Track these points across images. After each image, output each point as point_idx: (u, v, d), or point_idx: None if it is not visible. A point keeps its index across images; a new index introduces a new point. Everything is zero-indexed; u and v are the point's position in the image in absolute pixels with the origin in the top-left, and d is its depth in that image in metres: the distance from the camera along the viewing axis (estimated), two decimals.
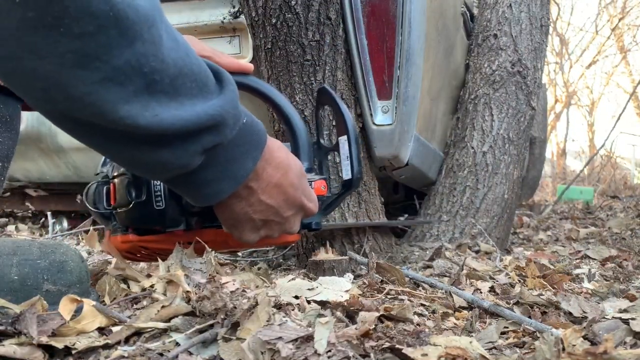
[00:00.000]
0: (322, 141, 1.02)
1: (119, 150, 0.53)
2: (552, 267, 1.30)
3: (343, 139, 0.93)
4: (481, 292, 1.02)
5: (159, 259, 0.82)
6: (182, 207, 0.76)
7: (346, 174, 0.92)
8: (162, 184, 0.73)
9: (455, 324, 0.83)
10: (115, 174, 0.76)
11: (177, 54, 0.49)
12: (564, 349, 0.61)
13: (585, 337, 0.73)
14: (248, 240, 0.74)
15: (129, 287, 0.85)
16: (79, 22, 0.42)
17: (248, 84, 0.84)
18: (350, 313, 0.78)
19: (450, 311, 0.89)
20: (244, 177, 0.62)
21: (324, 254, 1.16)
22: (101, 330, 0.68)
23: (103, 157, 0.83)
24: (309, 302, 0.83)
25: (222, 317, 0.67)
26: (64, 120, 0.51)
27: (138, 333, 0.66)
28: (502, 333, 0.79)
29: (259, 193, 0.67)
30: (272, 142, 0.68)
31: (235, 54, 1.55)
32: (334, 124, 1.24)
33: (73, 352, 0.59)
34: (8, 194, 2.27)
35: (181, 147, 0.53)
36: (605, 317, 0.82)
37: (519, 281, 1.13)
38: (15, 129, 0.83)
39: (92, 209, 0.79)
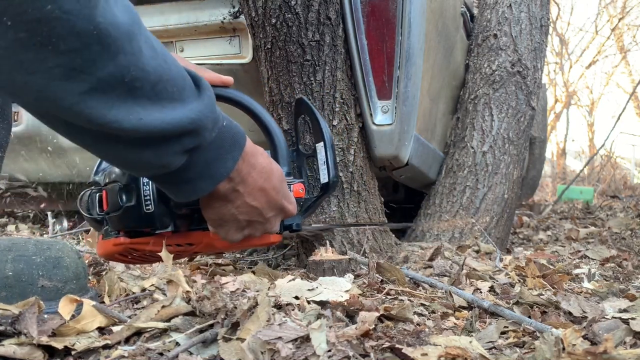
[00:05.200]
0: (300, 147, 1.09)
1: (107, 149, 0.58)
2: (552, 267, 1.30)
3: (320, 146, 1.02)
4: (481, 292, 1.02)
5: (149, 262, 0.85)
6: (170, 210, 0.80)
7: (323, 178, 1.00)
8: (151, 189, 0.78)
9: (455, 323, 0.83)
10: (107, 181, 0.81)
11: (156, 62, 0.54)
12: (564, 349, 0.61)
13: (585, 337, 0.74)
14: (232, 239, 0.78)
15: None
16: (66, 40, 0.46)
17: (228, 96, 0.91)
18: (350, 313, 0.78)
19: (450, 311, 0.89)
20: (223, 177, 0.67)
21: (324, 254, 1.16)
22: (101, 330, 0.68)
23: (95, 167, 0.89)
24: (309, 302, 0.83)
25: (222, 317, 0.67)
26: (56, 124, 0.55)
27: (138, 333, 0.66)
28: (502, 333, 0.79)
29: (245, 196, 0.72)
30: (255, 149, 0.73)
31: (235, 54, 1.55)
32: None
33: (73, 352, 0.59)
34: (8, 194, 2.27)
35: (163, 147, 0.58)
36: (605, 317, 0.82)
37: (519, 281, 1.13)
38: (7, 119, 0.85)
39: (86, 215, 0.84)
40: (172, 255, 0.87)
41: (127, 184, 0.78)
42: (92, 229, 1.20)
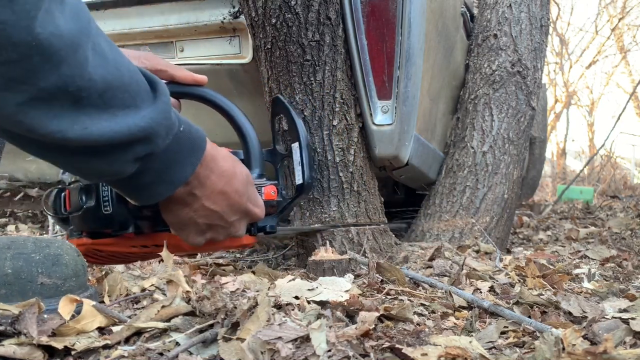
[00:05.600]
0: (277, 147, 1.05)
1: (54, 158, 0.57)
2: (552, 267, 1.30)
3: (295, 146, 1.00)
4: (481, 292, 1.02)
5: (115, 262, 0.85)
6: (130, 211, 0.79)
7: (298, 179, 0.98)
8: (109, 190, 0.77)
9: (455, 323, 0.83)
10: (72, 180, 0.81)
11: (105, 70, 0.53)
12: (564, 349, 0.61)
13: (585, 337, 0.74)
14: (194, 243, 0.77)
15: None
16: (3, 51, 0.45)
17: (202, 95, 0.90)
18: (350, 313, 0.78)
19: (450, 311, 0.89)
20: (181, 182, 0.66)
21: (324, 254, 1.16)
22: (101, 330, 0.68)
23: None
24: (309, 302, 0.83)
25: (222, 317, 0.67)
26: (1, 132, 0.54)
27: (138, 333, 0.66)
28: (502, 333, 0.79)
29: (203, 199, 0.70)
30: (217, 151, 0.71)
31: (235, 54, 1.55)
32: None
33: (73, 352, 0.59)
34: (8, 194, 2.27)
35: (113, 156, 0.57)
36: (605, 317, 0.82)
37: (519, 281, 1.13)
38: None
39: (51, 214, 0.84)
40: (140, 256, 0.86)
41: (87, 184, 0.77)
42: None
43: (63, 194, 0.81)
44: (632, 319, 0.78)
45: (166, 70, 0.85)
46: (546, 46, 2.06)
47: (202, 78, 0.88)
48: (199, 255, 1.44)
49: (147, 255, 0.92)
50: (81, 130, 0.52)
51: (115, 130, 0.54)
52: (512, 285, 1.10)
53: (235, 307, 0.68)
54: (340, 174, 1.31)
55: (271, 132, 1.16)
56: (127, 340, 0.64)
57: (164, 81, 0.78)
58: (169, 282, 0.79)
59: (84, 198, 0.77)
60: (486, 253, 1.50)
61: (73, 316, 0.66)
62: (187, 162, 0.65)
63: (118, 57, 0.55)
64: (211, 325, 0.67)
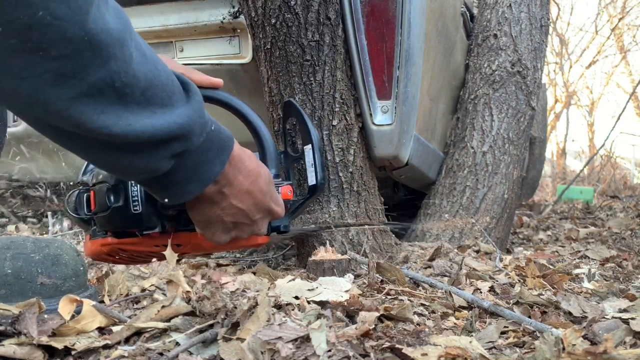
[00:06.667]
0: (288, 150, 1.09)
1: (96, 154, 0.58)
2: (552, 267, 1.30)
3: (308, 148, 1.03)
4: (481, 292, 1.02)
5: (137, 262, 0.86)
6: (158, 210, 0.81)
7: (311, 180, 1.01)
8: (139, 189, 0.78)
9: (455, 323, 0.83)
10: (95, 181, 0.81)
11: (146, 68, 0.54)
12: (564, 349, 0.61)
13: (585, 337, 0.74)
14: (219, 241, 0.78)
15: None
16: (57, 46, 0.46)
17: (219, 98, 0.91)
18: (350, 313, 0.78)
19: (450, 311, 0.89)
20: (211, 180, 0.67)
21: (324, 254, 1.16)
22: (101, 330, 0.68)
23: (84, 167, 0.91)
24: (309, 302, 0.83)
25: (222, 317, 0.67)
26: (45, 128, 0.55)
27: (138, 333, 0.66)
28: (502, 333, 0.79)
29: (231, 198, 0.72)
30: (243, 152, 0.73)
31: (235, 54, 1.55)
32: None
33: (73, 352, 0.59)
34: (8, 194, 2.27)
35: (152, 152, 0.58)
36: (605, 317, 0.82)
37: (519, 281, 1.13)
38: (3, 120, 0.85)
39: (74, 215, 0.84)
40: (160, 256, 0.87)
41: (115, 184, 0.78)
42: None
43: (87, 194, 0.82)
44: (632, 319, 0.78)
45: (183, 73, 0.87)
46: (546, 46, 2.06)
47: (218, 81, 0.90)
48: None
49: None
50: (125, 126, 0.53)
51: (156, 127, 0.56)
52: (512, 285, 1.10)
53: (235, 307, 0.68)
54: (340, 174, 1.31)
55: (282, 135, 1.19)
56: (127, 340, 0.64)
57: None
58: (169, 282, 0.79)
59: (112, 198, 0.78)
60: (486, 253, 1.50)
61: (73, 316, 0.66)
62: (217, 161, 0.67)
63: (155, 57, 0.57)
64: (211, 325, 0.67)
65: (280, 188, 0.88)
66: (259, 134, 0.93)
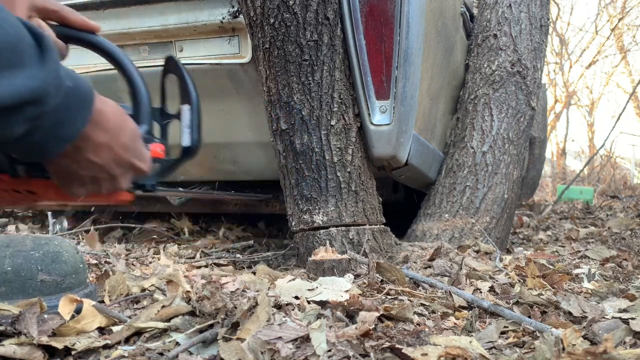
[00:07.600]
0: (165, 108, 1.05)
1: None
2: (552, 267, 1.30)
3: (186, 108, 0.99)
4: (481, 292, 1.02)
5: None
6: (6, 153, 0.76)
7: (185, 142, 0.98)
8: None
9: (455, 323, 0.83)
10: None
11: None
12: (563, 349, 0.61)
13: (585, 337, 0.73)
14: (75, 193, 0.76)
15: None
16: None
17: (94, 42, 0.87)
18: (350, 313, 0.78)
19: (450, 311, 0.89)
20: (72, 138, 0.64)
21: (324, 254, 1.16)
22: (101, 330, 0.68)
23: None
24: (309, 302, 0.83)
25: (222, 317, 0.67)
26: None
27: (138, 333, 0.66)
28: (502, 333, 0.79)
29: (87, 152, 0.69)
30: (105, 105, 0.70)
31: (234, 53, 1.55)
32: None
33: (73, 352, 0.59)
34: None
35: (2, 119, 0.54)
36: (605, 317, 0.82)
37: (519, 281, 1.13)
38: None
39: None
40: (10, 202, 0.83)
41: None
42: (91, 229, 1.19)
43: None
44: (632, 319, 0.78)
45: (58, 11, 0.82)
46: (546, 46, 2.06)
47: (96, 25, 0.85)
48: (197, 255, 1.44)
49: (18, 201, 0.90)
50: None
51: (4, 93, 0.52)
52: (512, 285, 1.10)
53: (235, 307, 0.68)
54: (338, 174, 1.31)
55: (160, 91, 1.15)
56: (127, 340, 0.64)
57: (54, 23, 0.78)
58: (169, 282, 0.79)
59: None
60: (486, 253, 1.50)
61: (73, 316, 0.66)
62: (77, 118, 0.64)
63: (1, 14, 0.52)
64: (211, 325, 0.67)
65: (150, 145, 0.85)
66: (134, 87, 0.88)
